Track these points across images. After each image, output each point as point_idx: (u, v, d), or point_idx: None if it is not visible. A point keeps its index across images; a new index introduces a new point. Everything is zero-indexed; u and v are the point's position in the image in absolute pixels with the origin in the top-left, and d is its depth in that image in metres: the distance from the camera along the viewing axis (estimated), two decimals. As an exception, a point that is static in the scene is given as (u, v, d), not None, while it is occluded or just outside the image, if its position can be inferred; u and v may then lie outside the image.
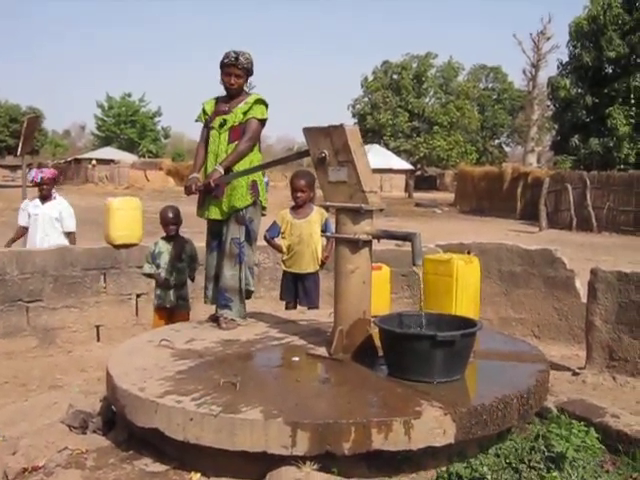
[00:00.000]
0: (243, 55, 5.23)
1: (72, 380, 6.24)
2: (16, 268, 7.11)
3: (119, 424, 4.19)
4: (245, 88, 5.43)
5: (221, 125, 5.29)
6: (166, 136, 79.00)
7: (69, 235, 8.00)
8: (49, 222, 7.83)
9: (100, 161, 52.33)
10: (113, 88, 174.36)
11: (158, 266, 6.22)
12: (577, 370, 6.35)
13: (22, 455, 3.83)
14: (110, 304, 7.79)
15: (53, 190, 7.99)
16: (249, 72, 5.33)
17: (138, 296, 7.95)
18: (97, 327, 7.72)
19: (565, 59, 34.92)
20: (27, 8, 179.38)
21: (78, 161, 55.02)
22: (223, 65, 5.27)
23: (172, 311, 6.27)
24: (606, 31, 31.43)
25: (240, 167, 5.23)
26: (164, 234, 6.35)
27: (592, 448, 3.88)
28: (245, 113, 5.25)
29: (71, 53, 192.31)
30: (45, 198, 7.88)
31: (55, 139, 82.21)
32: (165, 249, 6.24)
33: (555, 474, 3.48)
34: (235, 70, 5.23)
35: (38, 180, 7.80)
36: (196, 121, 5.56)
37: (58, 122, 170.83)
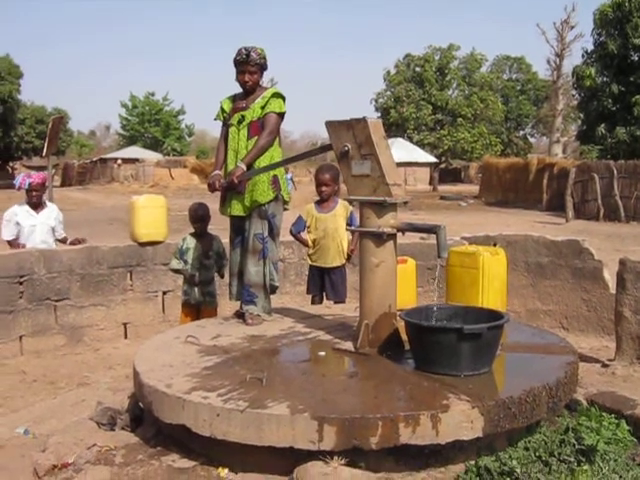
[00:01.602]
0: (255, 51, 5.20)
1: (100, 377, 6.28)
2: (43, 267, 7.17)
3: (147, 420, 4.21)
4: (261, 83, 5.41)
5: (240, 121, 5.29)
6: (190, 134, 79.36)
7: (60, 241, 7.72)
8: (48, 232, 7.54)
9: (125, 160, 52.61)
10: (137, 87, 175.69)
11: (185, 262, 6.25)
12: (607, 362, 6.27)
13: (51, 452, 3.86)
14: (137, 301, 7.85)
15: (44, 196, 7.62)
16: (263, 67, 5.30)
17: (164, 293, 8.00)
18: (124, 324, 7.78)
19: (590, 47, 34.45)
20: (52, 10, 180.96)
21: (104, 161, 55.36)
22: (236, 63, 5.25)
23: (199, 307, 6.30)
24: (631, 18, 30.94)
25: (261, 162, 5.22)
26: (191, 231, 6.38)
27: (623, 441, 3.84)
28: (263, 108, 5.24)
29: (95, 54, 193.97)
30: (37, 206, 7.45)
31: (81, 139, 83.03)
32: (193, 245, 6.26)
33: (586, 467, 3.44)
34: (248, 67, 5.21)
35: (26, 186, 7.30)
36: (215, 119, 5.56)
37: (83, 123, 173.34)
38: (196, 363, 4.22)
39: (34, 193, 7.38)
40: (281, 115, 5.31)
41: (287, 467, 3.35)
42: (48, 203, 7.75)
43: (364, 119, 4.26)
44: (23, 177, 7.46)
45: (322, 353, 4.44)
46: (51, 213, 7.62)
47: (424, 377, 3.87)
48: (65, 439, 4.02)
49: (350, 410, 3.40)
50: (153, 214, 7.76)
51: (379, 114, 51.70)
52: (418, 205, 29.67)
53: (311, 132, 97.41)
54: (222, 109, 5.49)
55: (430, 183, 48.30)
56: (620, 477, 3.43)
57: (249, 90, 5.32)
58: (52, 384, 6.23)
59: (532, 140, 71.40)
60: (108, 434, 4.15)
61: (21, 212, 7.43)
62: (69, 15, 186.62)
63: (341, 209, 6.54)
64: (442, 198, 37.02)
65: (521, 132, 68.43)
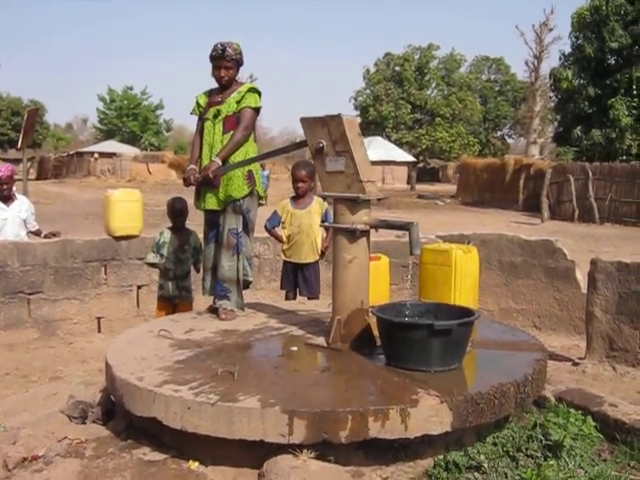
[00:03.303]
0: (230, 46, 5.21)
1: (73, 371, 6.26)
2: (17, 260, 7.13)
3: (118, 414, 4.20)
4: (237, 78, 5.42)
5: (215, 116, 5.29)
6: (168, 129, 79.05)
7: (34, 233, 7.69)
8: (20, 225, 7.49)
9: (102, 154, 52.25)
10: (115, 81, 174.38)
11: (162, 256, 6.23)
12: (577, 360, 6.36)
13: (22, 445, 3.84)
14: (111, 296, 7.82)
15: (13, 188, 7.49)
16: (239, 63, 5.32)
17: (139, 287, 7.98)
18: (98, 319, 7.75)
19: (567, 50, 34.79)
20: (29, 2, 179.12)
21: (80, 154, 54.92)
22: (212, 58, 5.26)
23: (175, 302, 6.29)
24: (608, 22, 31.28)
25: (236, 157, 5.23)
26: (167, 226, 6.37)
27: (589, 437, 3.90)
28: (238, 102, 5.25)
29: (73, 46, 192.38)
30: (7, 199, 7.37)
31: (57, 132, 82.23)
32: (170, 240, 6.25)
33: (552, 462, 3.49)
34: (224, 62, 5.22)
35: None
36: (191, 114, 5.56)
37: (60, 115, 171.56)
38: (168, 357, 4.22)
39: (4, 186, 7.31)
40: (257, 110, 5.32)
41: (257, 460, 3.37)
42: (18, 195, 7.68)
43: (339, 116, 4.28)
44: None
45: (294, 348, 4.46)
46: (22, 205, 7.56)
47: (394, 372, 3.90)
48: (36, 432, 4.01)
49: (320, 404, 3.42)
50: (128, 208, 7.73)
51: (358, 112, 51.85)
52: (396, 204, 29.78)
53: (290, 129, 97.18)
54: (198, 103, 5.49)
55: (408, 182, 48.47)
56: (585, 472, 3.49)
57: (225, 85, 5.32)
58: (24, 377, 6.20)
59: (510, 141, 72.03)
60: (79, 427, 4.14)
61: None
62: (47, 7, 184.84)
63: (316, 206, 6.57)
64: (419, 197, 37.19)
65: (499, 133, 68.89)
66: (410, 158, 51.27)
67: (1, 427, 4.56)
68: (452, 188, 42.11)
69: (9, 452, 3.78)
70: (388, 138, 51.63)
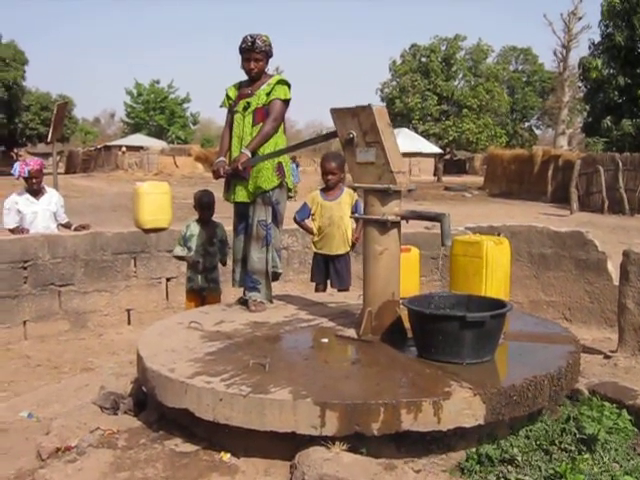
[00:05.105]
0: (260, 38, 5.20)
1: (103, 363, 6.31)
2: (48, 252, 7.20)
3: (150, 405, 4.22)
4: (267, 70, 5.40)
5: (245, 108, 5.29)
6: (195, 122, 79.34)
7: (64, 226, 7.78)
8: (50, 217, 7.58)
9: (130, 148, 52.65)
10: (142, 75, 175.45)
11: (189, 249, 6.25)
12: (609, 353, 6.28)
13: (55, 435, 3.88)
14: (140, 288, 7.88)
15: (42, 182, 7.56)
16: (268, 55, 5.30)
17: (168, 280, 8.03)
18: (128, 311, 7.81)
19: (597, 39, 34.37)
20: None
21: (108, 148, 55.37)
22: (241, 50, 5.25)
23: (203, 294, 6.31)
24: (639, 10, 30.81)
25: (265, 149, 5.22)
26: (192, 219, 6.38)
27: (624, 430, 3.85)
28: (268, 94, 5.23)
29: (100, 41, 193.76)
30: (37, 192, 7.46)
31: (85, 127, 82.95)
32: (197, 232, 6.26)
33: (586, 456, 3.45)
34: (254, 54, 5.20)
35: (25, 174, 7.27)
36: (220, 107, 5.56)
37: (88, 110, 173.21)
38: (199, 348, 4.23)
39: (34, 180, 7.37)
40: (286, 102, 5.30)
41: (289, 452, 3.36)
42: (48, 189, 7.74)
43: (369, 106, 4.25)
44: (21, 165, 7.41)
45: (325, 340, 4.45)
46: (52, 198, 7.64)
47: (426, 364, 3.87)
48: (68, 423, 4.04)
49: (352, 396, 3.40)
50: (157, 200, 7.78)
51: (384, 104, 51.54)
52: (423, 196, 29.65)
53: (316, 122, 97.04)
54: (227, 96, 5.49)
55: (435, 174, 48.21)
56: (621, 466, 3.45)
57: (254, 77, 5.31)
58: (56, 369, 6.27)
59: (537, 132, 71.31)
60: (111, 418, 4.17)
61: (21, 200, 7.44)
62: (75, 2, 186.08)
63: (347, 197, 6.55)
64: (446, 189, 36.98)
65: (526, 124, 68.26)
66: (437, 150, 50.94)
67: (34, 418, 4.61)
68: (479, 180, 41.83)
69: (42, 442, 3.82)
70: (415, 130, 51.36)
